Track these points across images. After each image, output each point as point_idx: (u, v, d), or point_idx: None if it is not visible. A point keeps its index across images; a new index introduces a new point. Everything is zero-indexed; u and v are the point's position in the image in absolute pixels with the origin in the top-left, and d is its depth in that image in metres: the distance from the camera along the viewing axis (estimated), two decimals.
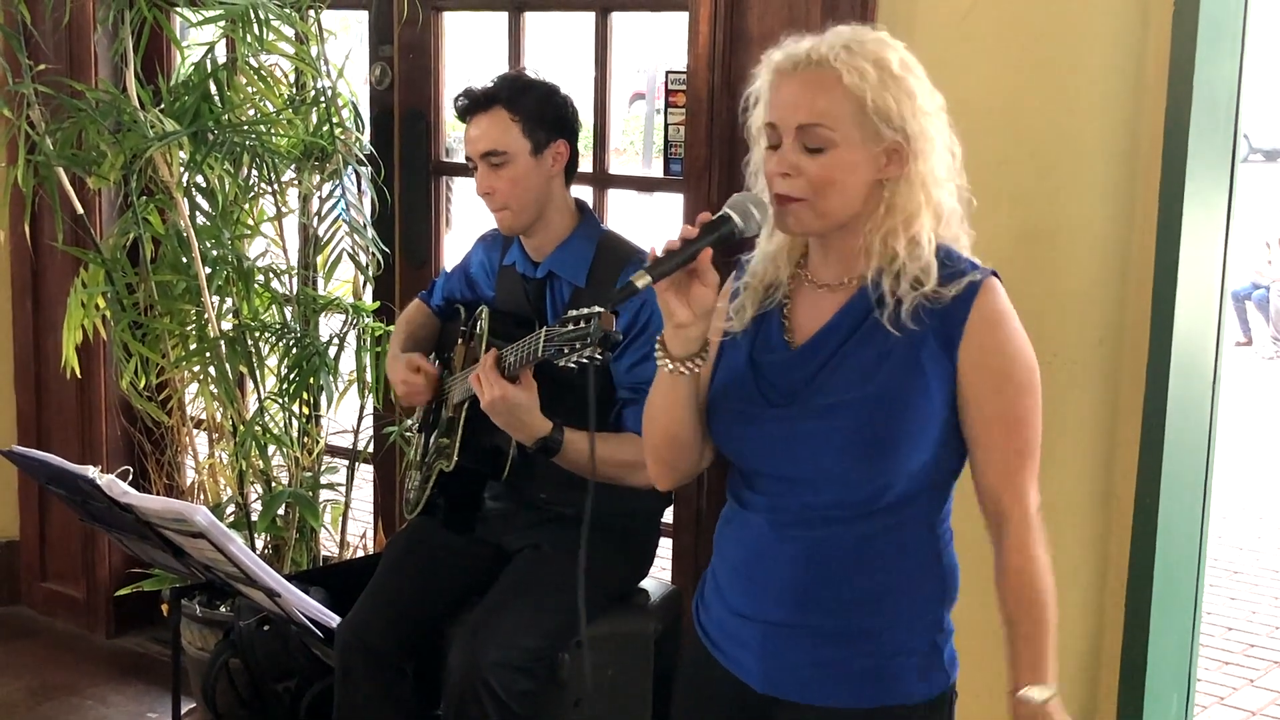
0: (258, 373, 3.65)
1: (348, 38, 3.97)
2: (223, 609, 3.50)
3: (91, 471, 2.74)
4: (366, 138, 3.69)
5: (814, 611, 1.89)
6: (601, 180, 3.46)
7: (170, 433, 3.99)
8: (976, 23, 2.66)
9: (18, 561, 4.46)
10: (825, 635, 1.89)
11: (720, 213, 1.85)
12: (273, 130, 3.58)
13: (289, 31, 3.46)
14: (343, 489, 3.74)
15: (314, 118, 3.55)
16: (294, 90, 3.62)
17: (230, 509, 3.77)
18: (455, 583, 2.86)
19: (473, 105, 2.75)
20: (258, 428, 3.59)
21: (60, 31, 3.91)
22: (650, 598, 2.92)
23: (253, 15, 3.35)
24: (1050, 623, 1.85)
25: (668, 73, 3.36)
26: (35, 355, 4.29)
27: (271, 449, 3.70)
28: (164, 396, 3.90)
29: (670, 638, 2.81)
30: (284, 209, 3.75)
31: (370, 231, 3.61)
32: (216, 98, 3.50)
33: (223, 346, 3.61)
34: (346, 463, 3.75)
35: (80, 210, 3.83)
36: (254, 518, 3.67)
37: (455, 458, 2.78)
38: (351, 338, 3.63)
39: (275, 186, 3.69)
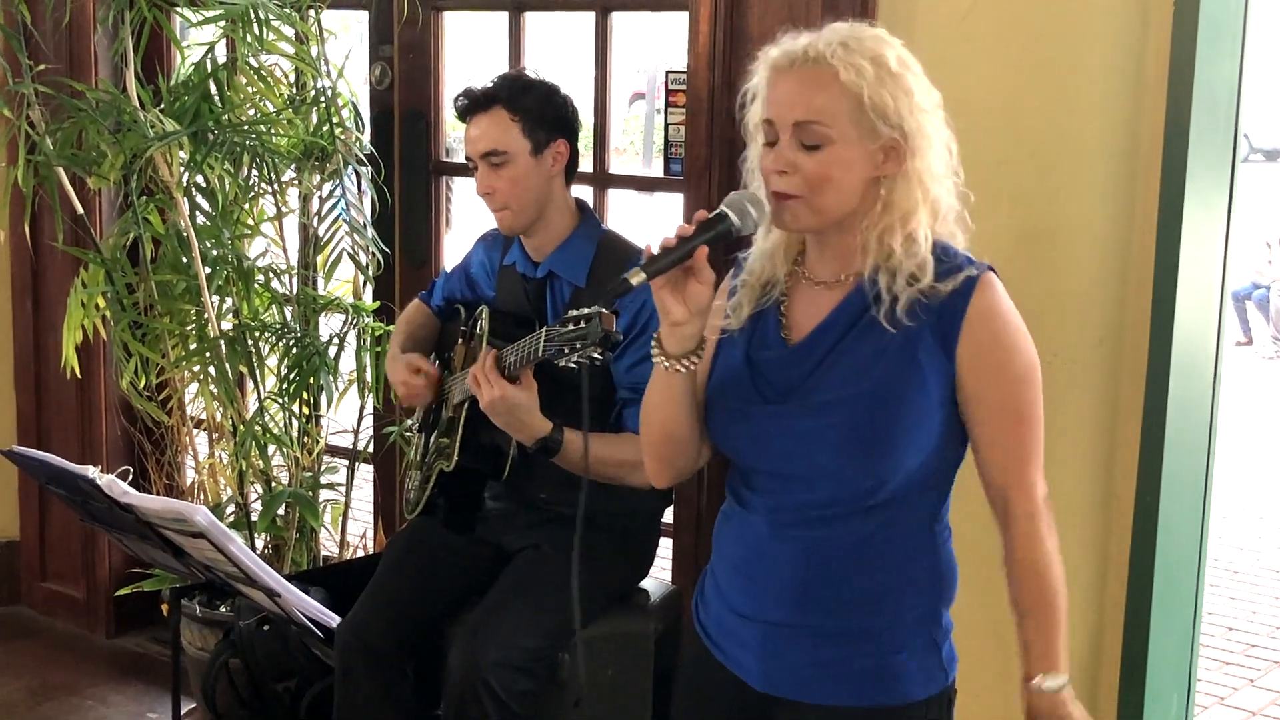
0: (258, 373, 3.64)
1: (348, 38, 3.96)
2: (223, 609, 3.50)
3: (91, 471, 2.73)
4: (366, 138, 3.69)
5: (814, 612, 1.89)
6: (602, 180, 3.46)
7: (170, 433, 3.99)
8: (976, 22, 2.66)
9: (18, 561, 4.46)
10: (825, 635, 1.89)
11: (717, 210, 1.84)
12: (273, 130, 3.57)
13: (289, 31, 3.46)
14: (343, 489, 3.74)
15: (314, 118, 3.55)
16: (294, 90, 3.62)
17: (230, 509, 3.77)
18: (455, 583, 2.86)
19: (473, 105, 2.75)
20: (258, 428, 3.59)
21: (60, 31, 3.90)
22: (650, 598, 2.92)
23: (253, 15, 3.35)
24: (1061, 611, 1.86)
25: (668, 72, 3.36)
26: (35, 355, 4.28)
27: (271, 449, 3.70)
28: (164, 396, 3.90)
29: (670, 638, 2.81)
30: (284, 209, 3.75)
31: (370, 231, 3.61)
32: (216, 98, 3.50)
33: (223, 346, 3.61)
34: (346, 463, 3.75)
35: (80, 210, 3.83)
36: (254, 518, 3.67)
37: (455, 458, 2.78)
38: (351, 338, 3.63)
39: (275, 186, 3.69)
